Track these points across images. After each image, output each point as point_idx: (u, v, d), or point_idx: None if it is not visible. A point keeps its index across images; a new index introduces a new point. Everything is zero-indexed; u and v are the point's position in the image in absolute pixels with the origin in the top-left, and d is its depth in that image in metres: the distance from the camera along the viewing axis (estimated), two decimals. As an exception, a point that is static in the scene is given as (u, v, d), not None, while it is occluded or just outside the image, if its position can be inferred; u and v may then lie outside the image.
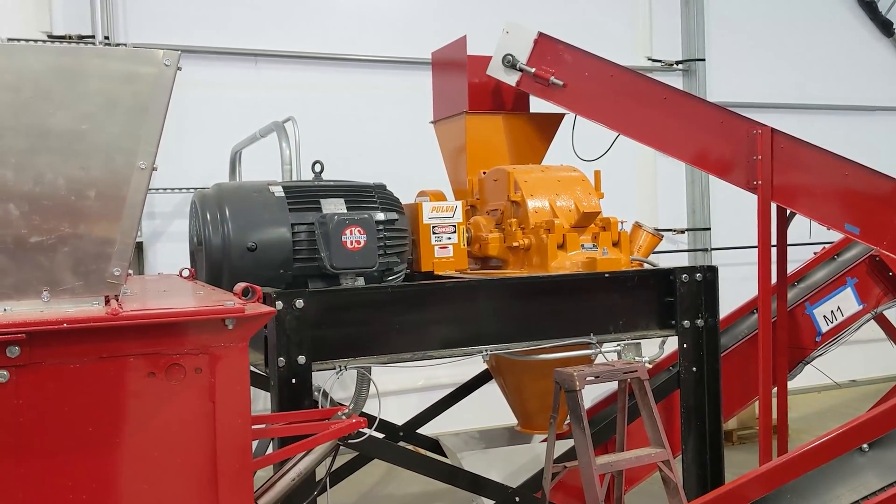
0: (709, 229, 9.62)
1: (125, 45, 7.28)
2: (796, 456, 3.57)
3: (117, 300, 2.34)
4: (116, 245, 2.28)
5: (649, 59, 9.41)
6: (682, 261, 9.45)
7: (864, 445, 3.62)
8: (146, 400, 2.14)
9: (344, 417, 2.82)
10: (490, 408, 6.31)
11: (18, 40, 6.56)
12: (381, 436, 5.08)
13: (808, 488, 3.49)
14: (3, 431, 2.03)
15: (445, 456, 5.24)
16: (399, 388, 6.97)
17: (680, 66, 9.60)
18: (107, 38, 7.19)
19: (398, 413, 5.69)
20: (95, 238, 2.28)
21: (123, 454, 2.14)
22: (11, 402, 2.03)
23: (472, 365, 4.68)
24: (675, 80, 9.43)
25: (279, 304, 3.51)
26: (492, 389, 5.72)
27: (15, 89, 2.19)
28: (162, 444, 2.16)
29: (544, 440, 5.13)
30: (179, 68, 2.25)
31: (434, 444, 5.54)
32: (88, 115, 2.25)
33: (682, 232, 9.60)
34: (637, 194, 9.21)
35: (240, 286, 2.32)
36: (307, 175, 4.76)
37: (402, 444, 5.25)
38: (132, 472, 2.14)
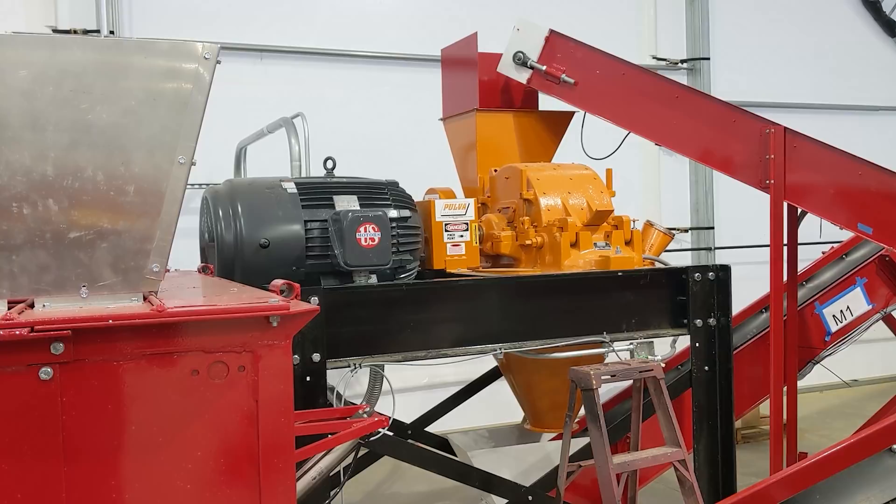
0: (712, 228, 9.61)
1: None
2: (825, 457, 3.54)
3: (156, 296, 2.31)
4: (155, 241, 2.25)
5: (654, 58, 9.40)
6: (686, 260, 9.44)
7: (895, 446, 3.59)
8: (189, 398, 2.11)
9: (365, 416, 2.80)
10: (493, 405, 6.30)
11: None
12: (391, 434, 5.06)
13: (837, 490, 3.46)
14: (47, 429, 2.00)
15: (454, 454, 5.22)
16: (403, 385, 6.93)
17: (685, 65, 9.59)
18: (112, 32, 7.15)
19: (403, 411, 5.64)
20: (134, 234, 2.25)
21: (166, 453, 2.11)
22: (55, 400, 2.00)
23: (477, 363, 4.65)
24: (680, 79, 9.38)
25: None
26: (494, 387, 5.70)
27: (56, 83, 2.15)
28: (205, 443, 2.13)
29: (553, 438, 5.11)
30: (219, 62, 2.22)
31: (442, 443, 5.52)
32: (129, 110, 2.21)
33: (686, 231, 9.60)
34: (641, 193, 9.19)
35: (277, 283, 2.28)
36: (315, 172, 4.72)
37: (410, 442, 5.22)
38: (175, 470, 2.12)
